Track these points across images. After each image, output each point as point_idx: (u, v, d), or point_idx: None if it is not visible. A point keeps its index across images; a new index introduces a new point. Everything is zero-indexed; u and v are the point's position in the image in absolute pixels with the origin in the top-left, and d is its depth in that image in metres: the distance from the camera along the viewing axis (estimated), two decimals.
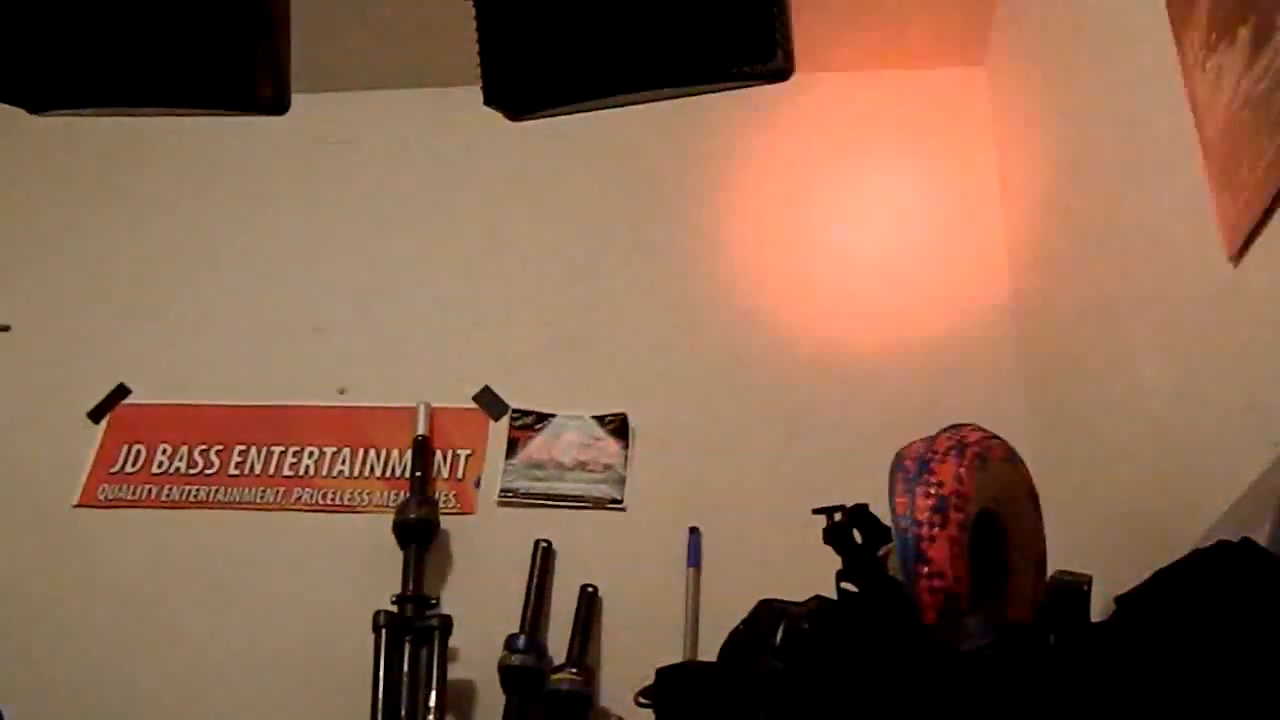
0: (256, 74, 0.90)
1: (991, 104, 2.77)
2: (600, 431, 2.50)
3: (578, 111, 0.91)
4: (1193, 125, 1.43)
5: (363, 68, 2.98)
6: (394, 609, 2.22)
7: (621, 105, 0.90)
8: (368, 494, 2.50)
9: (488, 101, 0.93)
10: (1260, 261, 1.28)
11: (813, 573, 1.41)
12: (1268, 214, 1.25)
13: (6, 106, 0.97)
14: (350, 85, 3.00)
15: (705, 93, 0.90)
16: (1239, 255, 1.32)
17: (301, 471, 2.54)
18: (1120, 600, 1.15)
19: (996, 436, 1.48)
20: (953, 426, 1.46)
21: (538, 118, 0.92)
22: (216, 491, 2.54)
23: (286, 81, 0.93)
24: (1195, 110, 1.43)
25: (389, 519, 2.37)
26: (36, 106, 0.93)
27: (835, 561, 1.41)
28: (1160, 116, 1.56)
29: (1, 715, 1.58)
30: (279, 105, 0.93)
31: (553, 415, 2.54)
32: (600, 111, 1.01)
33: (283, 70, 0.93)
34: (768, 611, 1.35)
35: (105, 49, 0.90)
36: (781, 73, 0.86)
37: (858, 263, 2.66)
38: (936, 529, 1.32)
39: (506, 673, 2.16)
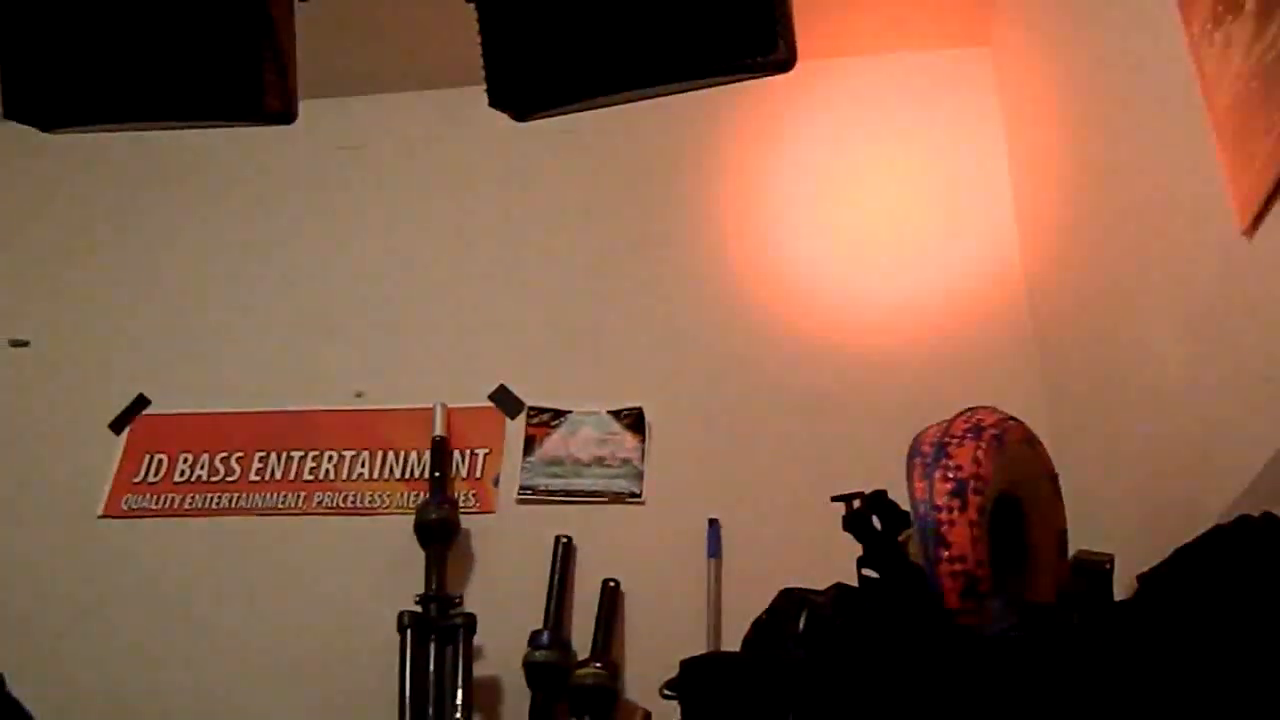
0: (263, 85, 0.91)
1: (997, 84, 2.75)
2: (616, 426, 2.51)
3: (582, 110, 0.91)
4: (1202, 98, 1.42)
5: (371, 73, 2.99)
6: (418, 609, 2.23)
7: (626, 102, 0.90)
8: (388, 496, 2.52)
9: (493, 103, 0.93)
10: (1274, 233, 1.27)
11: (833, 560, 1.41)
12: (1279, 186, 1.24)
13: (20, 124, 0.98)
14: (359, 90, 3.01)
15: (709, 86, 0.90)
16: (1252, 228, 1.31)
17: (321, 475, 2.56)
18: (1143, 578, 1.15)
19: (1013, 418, 1.47)
20: (969, 409, 1.45)
21: (543, 117, 0.92)
22: (238, 498, 2.56)
23: (293, 91, 0.94)
24: (1204, 83, 1.42)
25: (410, 520, 2.38)
26: (48, 124, 0.93)
27: (855, 549, 1.41)
28: (1169, 90, 1.55)
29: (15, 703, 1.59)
30: (286, 115, 0.93)
31: (569, 411, 2.55)
32: (608, 108, 1.01)
33: (289, 81, 0.93)
34: (790, 600, 1.35)
35: (114, 66, 0.91)
36: (784, 63, 0.86)
37: (869, 248, 2.65)
38: (956, 513, 1.32)
39: (531, 669, 2.17)
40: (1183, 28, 1.48)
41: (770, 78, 0.99)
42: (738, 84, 1.10)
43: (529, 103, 0.90)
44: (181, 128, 0.97)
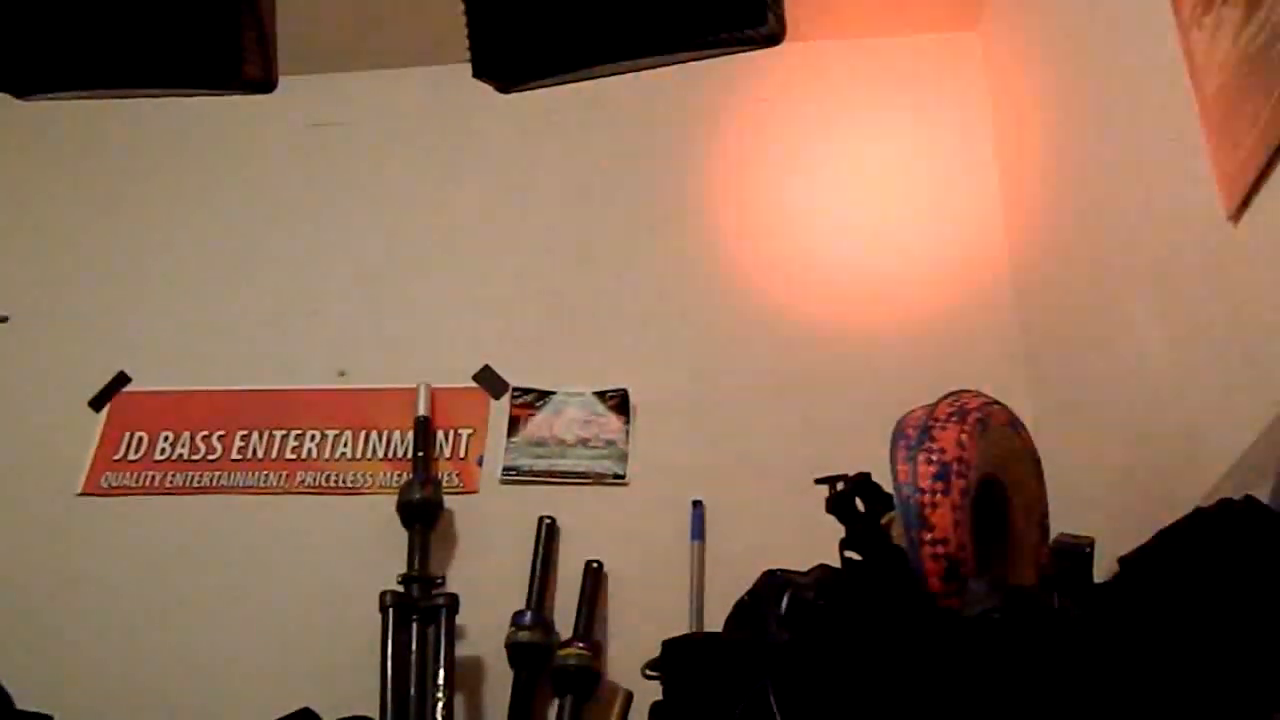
0: (242, 52, 0.89)
1: (986, 68, 2.75)
2: (601, 407, 2.50)
3: (568, 81, 0.90)
4: (1190, 83, 1.42)
5: (356, 49, 2.95)
6: (400, 589, 2.22)
7: (612, 74, 0.89)
8: (371, 475, 2.50)
9: (477, 74, 0.91)
10: (1259, 219, 1.27)
11: (816, 542, 1.41)
12: (1266, 171, 1.25)
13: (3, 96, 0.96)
14: (345, 67, 2.98)
15: (698, 59, 0.89)
16: (1238, 213, 1.31)
17: (304, 455, 2.54)
18: (1124, 561, 1.15)
19: (997, 402, 1.48)
20: (953, 393, 1.46)
21: (528, 89, 0.91)
22: (219, 477, 2.54)
23: (273, 60, 0.92)
24: (1192, 67, 1.42)
25: (393, 500, 2.37)
26: (22, 91, 0.91)
27: (839, 531, 1.41)
28: (1157, 74, 1.55)
29: (11, 700, 1.58)
30: (266, 84, 0.92)
31: (553, 392, 2.54)
32: (595, 86, 1.00)
33: (269, 48, 0.91)
34: (772, 582, 1.35)
35: (90, 32, 0.89)
36: (773, 37, 0.85)
37: (855, 231, 2.65)
38: (939, 495, 1.32)
39: (514, 649, 2.17)
40: (1172, 11, 1.48)
41: (759, 60, 0.98)
42: (725, 65, 1.09)
43: (514, 74, 0.89)
44: (159, 96, 0.95)
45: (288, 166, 2.97)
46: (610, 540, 2.33)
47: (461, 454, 2.50)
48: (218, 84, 0.90)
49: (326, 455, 2.54)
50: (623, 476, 2.42)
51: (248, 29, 0.87)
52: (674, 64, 0.87)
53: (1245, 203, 1.29)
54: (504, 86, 0.89)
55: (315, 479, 2.51)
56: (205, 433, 2.60)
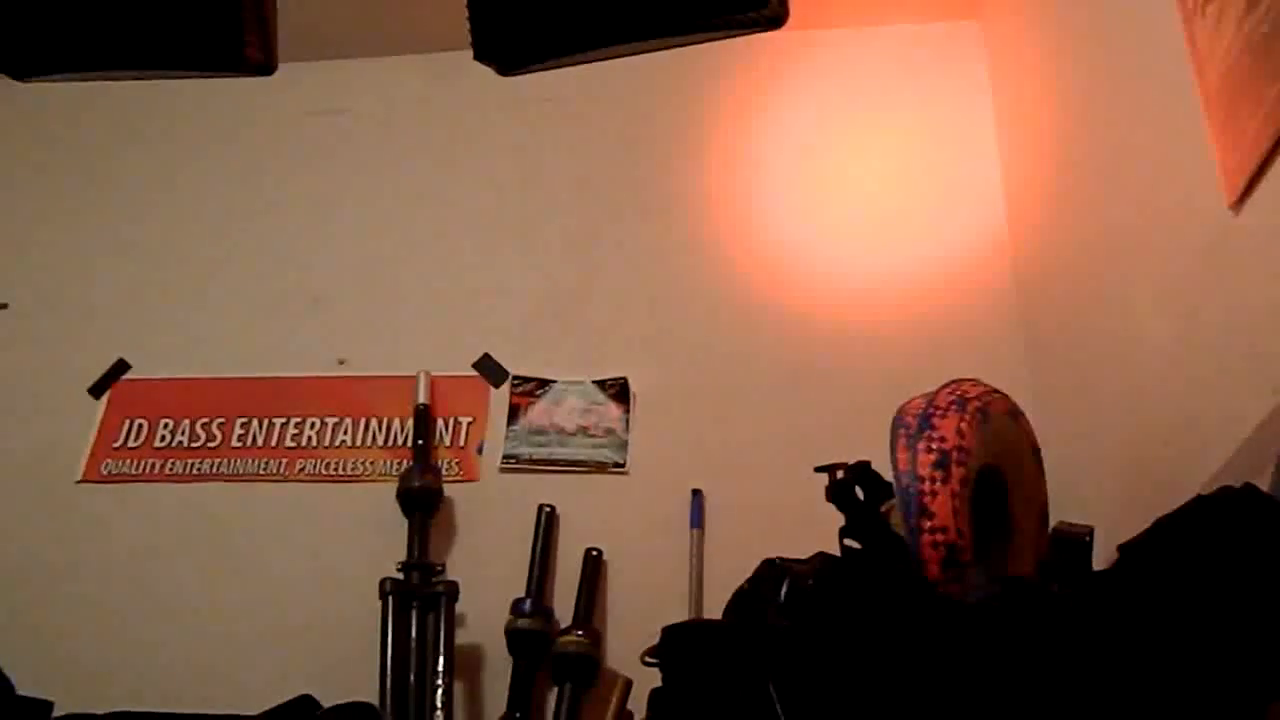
0: (242, 34, 0.89)
1: (987, 57, 2.74)
2: (601, 396, 2.50)
3: (569, 64, 0.89)
4: (1192, 71, 1.42)
5: (357, 36, 2.95)
6: (400, 576, 2.23)
7: (613, 56, 0.88)
8: (371, 463, 2.51)
9: (477, 56, 0.91)
10: (1261, 209, 1.27)
11: (816, 531, 1.41)
12: (1268, 161, 1.24)
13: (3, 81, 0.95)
14: (345, 54, 2.97)
15: (700, 41, 0.89)
16: (1239, 202, 1.31)
17: (304, 442, 2.55)
18: (1123, 548, 1.15)
19: (998, 391, 1.48)
20: (954, 382, 1.46)
21: (528, 71, 0.91)
22: (219, 464, 2.54)
23: (273, 42, 0.92)
24: (1195, 56, 1.42)
25: (393, 487, 2.37)
26: (20, 73, 0.91)
27: (838, 519, 1.41)
28: (1159, 63, 1.54)
29: (12, 685, 1.58)
30: (265, 66, 0.91)
31: (553, 381, 2.54)
32: (595, 75, 1.00)
33: (269, 30, 0.91)
34: (772, 570, 1.35)
35: (89, 13, 0.89)
36: (776, 19, 0.84)
37: (856, 220, 2.65)
38: (938, 484, 1.32)
39: (513, 636, 2.18)
40: (1175, 0, 1.47)
41: (759, 49, 0.97)
42: (725, 54, 1.09)
43: (514, 56, 0.88)
44: (159, 78, 0.95)
45: (287, 154, 2.97)
46: (610, 528, 2.34)
47: (461, 442, 2.50)
48: (218, 66, 0.90)
49: (326, 443, 2.54)
50: (622, 465, 2.42)
51: (249, 11, 0.87)
52: (676, 46, 0.87)
53: (1247, 192, 1.29)
54: (504, 69, 0.89)
55: (315, 467, 2.51)
56: (205, 420, 2.60)
